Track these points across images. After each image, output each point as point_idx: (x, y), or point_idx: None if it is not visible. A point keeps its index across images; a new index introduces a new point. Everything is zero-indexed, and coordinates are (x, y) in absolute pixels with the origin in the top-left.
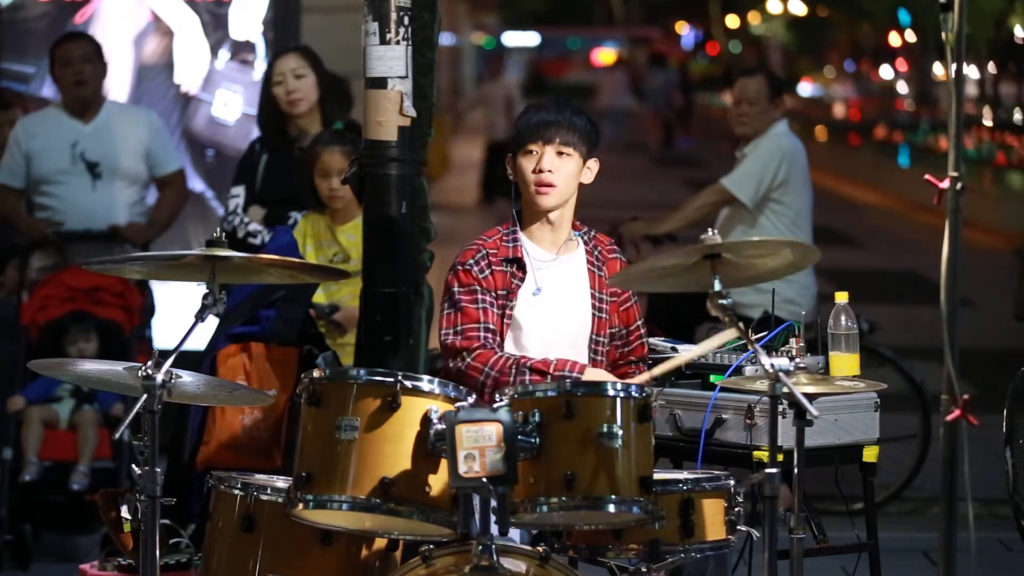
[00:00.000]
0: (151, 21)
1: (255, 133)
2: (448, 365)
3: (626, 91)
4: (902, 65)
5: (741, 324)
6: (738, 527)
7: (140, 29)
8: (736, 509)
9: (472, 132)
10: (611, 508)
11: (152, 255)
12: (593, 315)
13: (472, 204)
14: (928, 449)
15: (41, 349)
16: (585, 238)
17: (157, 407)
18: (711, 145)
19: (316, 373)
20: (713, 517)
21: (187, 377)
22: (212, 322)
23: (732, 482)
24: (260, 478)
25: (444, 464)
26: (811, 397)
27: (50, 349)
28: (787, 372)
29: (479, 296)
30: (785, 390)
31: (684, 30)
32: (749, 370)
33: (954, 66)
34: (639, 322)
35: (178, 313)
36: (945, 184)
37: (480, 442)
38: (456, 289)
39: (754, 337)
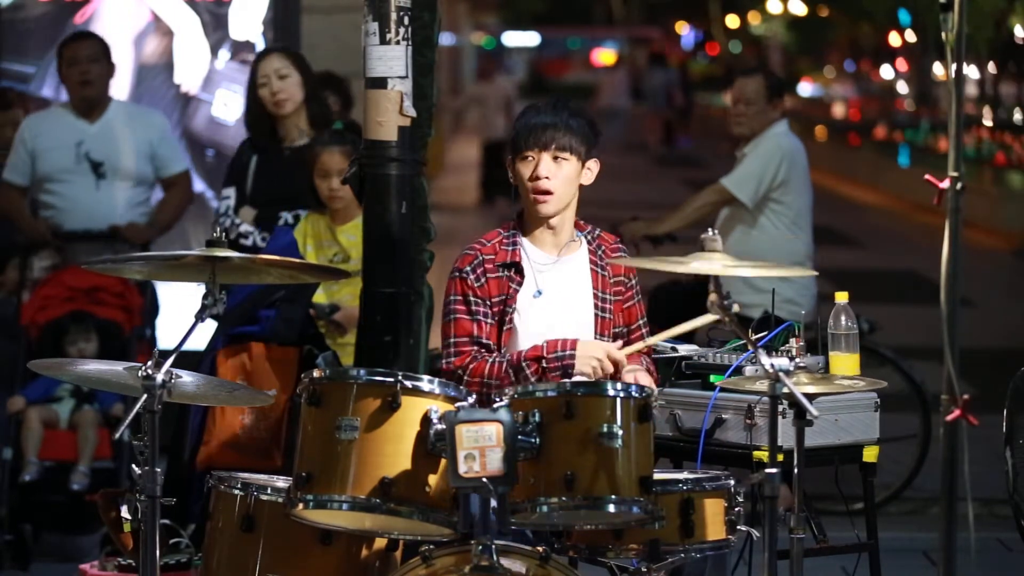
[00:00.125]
0: (151, 21)
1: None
2: None
3: (626, 91)
4: (902, 65)
5: (740, 324)
6: (738, 527)
7: (140, 29)
8: (736, 509)
9: (471, 132)
10: (611, 508)
11: (152, 255)
12: (596, 315)
13: (472, 204)
14: (928, 449)
15: (41, 349)
16: (588, 238)
17: (157, 407)
18: (711, 145)
19: (316, 373)
20: (713, 517)
21: (187, 377)
22: (212, 322)
23: (732, 482)
24: (260, 478)
25: (444, 464)
26: (811, 397)
27: (50, 349)
28: (787, 372)
29: (472, 307)
30: (785, 390)
31: (684, 30)
32: (749, 370)
33: (954, 66)
34: (641, 321)
35: (180, 313)
36: (945, 184)
37: (480, 442)
38: (452, 298)
39: (754, 337)
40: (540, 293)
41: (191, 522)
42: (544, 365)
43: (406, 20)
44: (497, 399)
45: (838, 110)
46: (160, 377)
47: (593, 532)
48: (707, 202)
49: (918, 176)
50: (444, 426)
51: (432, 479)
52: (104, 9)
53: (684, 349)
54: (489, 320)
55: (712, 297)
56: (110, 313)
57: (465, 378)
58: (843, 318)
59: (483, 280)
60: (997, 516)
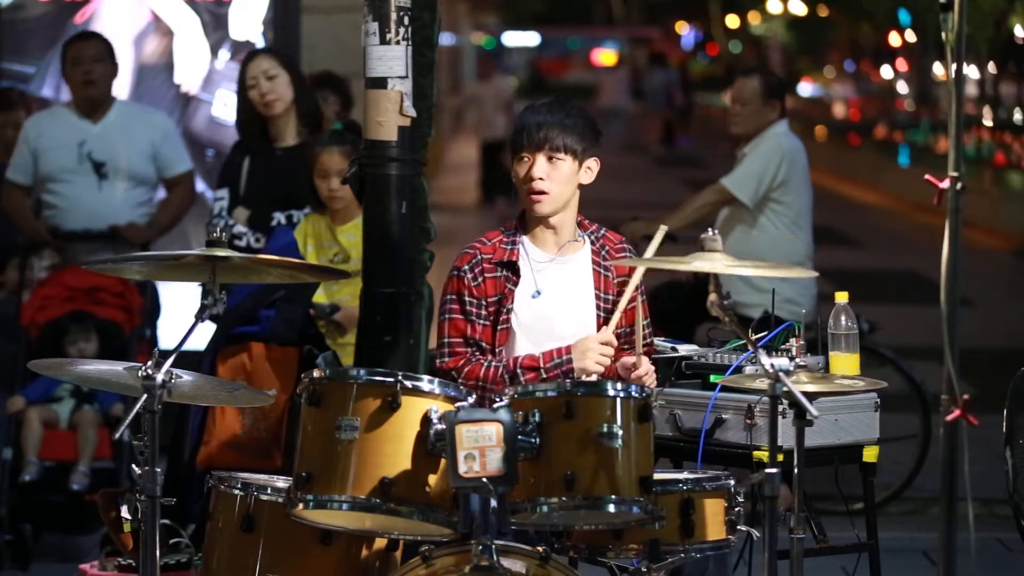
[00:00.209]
0: (151, 21)
1: None
2: None
3: (626, 91)
4: (902, 65)
5: (740, 324)
6: (738, 527)
7: (140, 29)
8: (736, 509)
9: (470, 132)
10: (611, 508)
11: (152, 255)
12: (598, 316)
13: (472, 204)
14: (928, 449)
15: (41, 349)
16: (592, 237)
17: (157, 407)
18: (711, 145)
19: (316, 373)
20: (713, 517)
21: (187, 377)
22: (210, 322)
23: (732, 482)
24: (260, 478)
25: (444, 464)
26: (811, 397)
27: (50, 349)
28: (787, 372)
29: (467, 307)
30: (785, 390)
31: (684, 30)
32: (749, 370)
33: (954, 66)
34: (644, 321)
35: (180, 313)
36: (945, 184)
37: (480, 442)
38: (448, 296)
39: (754, 337)
40: (539, 293)
41: (191, 522)
42: (543, 375)
43: (406, 20)
44: (497, 399)
45: (838, 110)
46: (160, 377)
47: (593, 532)
48: (707, 202)
49: (918, 176)
50: (444, 426)
51: (432, 479)
52: (104, 9)
53: (684, 349)
54: (483, 321)
55: (712, 297)
56: (110, 313)
57: (459, 380)
58: (843, 318)
59: (480, 279)
60: (997, 516)
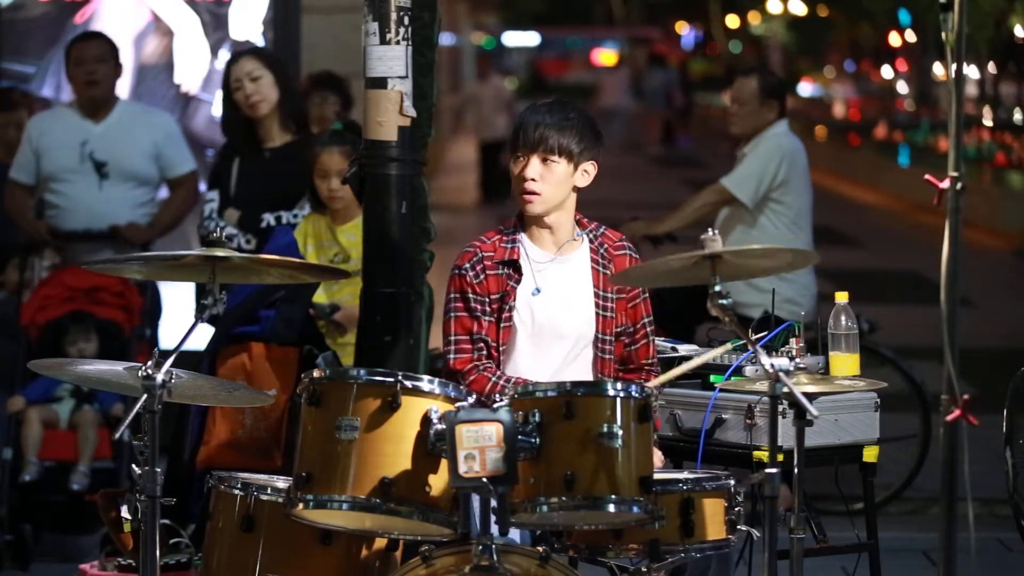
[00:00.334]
0: (151, 21)
1: None
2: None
3: (627, 91)
4: (902, 65)
5: (740, 324)
6: (738, 527)
7: (140, 29)
8: (736, 509)
9: (470, 132)
10: (611, 508)
11: (152, 255)
12: (597, 314)
13: (471, 204)
14: (928, 449)
15: (41, 349)
16: (591, 236)
17: (157, 407)
18: (711, 145)
19: (316, 373)
20: (713, 517)
21: (187, 377)
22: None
23: (732, 482)
24: (260, 478)
25: (444, 464)
26: (811, 397)
27: (50, 349)
28: (787, 372)
29: (472, 304)
30: (785, 390)
31: (684, 30)
32: (749, 370)
33: (954, 66)
34: (646, 319)
35: (180, 313)
36: (945, 184)
37: (480, 442)
38: (452, 295)
39: (754, 337)
40: (539, 291)
41: (191, 522)
42: None
43: (406, 20)
44: (497, 398)
45: (838, 110)
46: (160, 377)
47: (593, 532)
48: (707, 202)
49: (918, 176)
50: (444, 426)
51: (432, 479)
52: (104, 9)
53: (684, 349)
54: (488, 317)
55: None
56: (110, 313)
57: (463, 385)
58: (843, 318)
59: (482, 277)
60: (997, 516)
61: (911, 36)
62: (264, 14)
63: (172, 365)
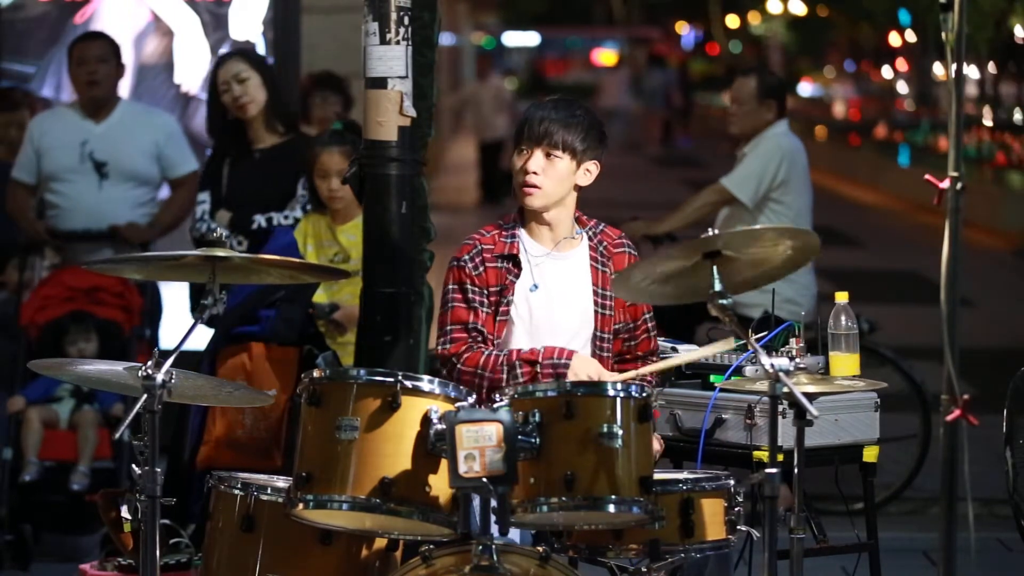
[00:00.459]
0: (151, 21)
1: None
2: (443, 375)
3: (627, 91)
4: (902, 65)
5: (740, 324)
6: (738, 527)
7: (140, 29)
8: (736, 509)
9: (470, 132)
10: (611, 508)
11: (152, 255)
12: (595, 312)
13: (472, 204)
14: (928, 449)
15: (41, 349)
16: (590, 233)
17: (157, 407)
18: (711, 145)
19: (316, 373)
20: (713, 517)
21: (187, 377)
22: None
23: (732, 482)
24: (260, 478)
25: (444, 464)
26: (811, 397)
27: (50, 349)
28: (787, 372)
29: (469, 295)
30: (785, 390)
31: (684, 30)
32: (749, 370)
33: (954, 66)
34: (647, 316)
35: (180, 313)
36: (945, 184)
37: (480, 442)
38: (450, 287)
39: (754, 337)
40: (536, 287)
41: (191, 522)
42: (538, 370)
43: (406, 20)
44: (497, 398)
45: (838, 110)
46: (160, 377)
47: (593, 532)
48: (707, 202)
49: (918, 176)
50: (444, 426)
51: (432, 479)
52: (104, 9)
53: (684, 349)
54: (485, 309)
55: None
56: (110, 313)
57: (459, 366)
58: (843, 318)
59: (481, 269)
60: (997, 516)
61: (911, 36)
62: (264, 14)
63: (172, 365)
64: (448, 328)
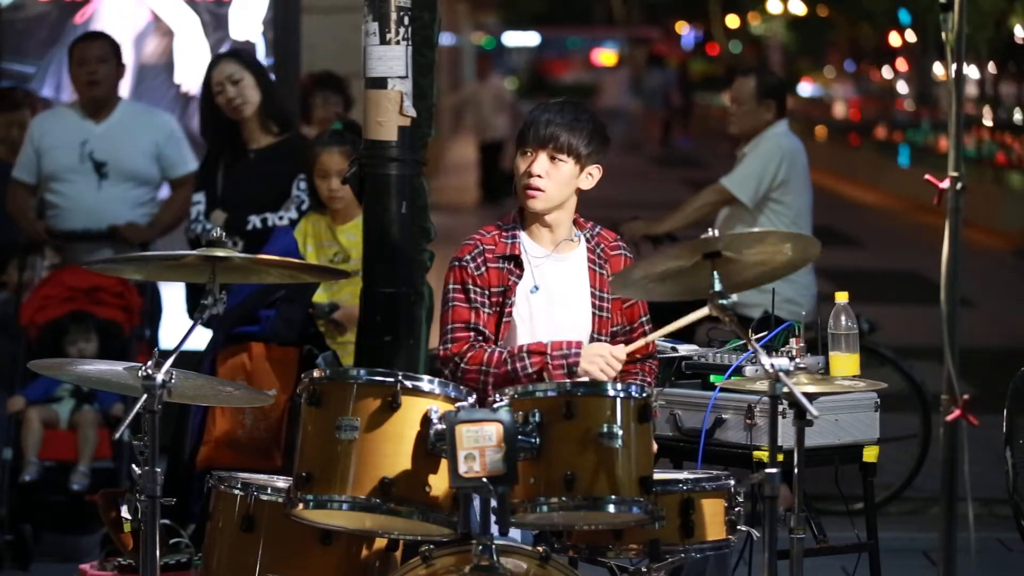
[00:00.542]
0: (151, 21)
1: None
2: (445, 375)
3: (627, 91)
4: (902, 65)
5: (740, 324)
6: (738, 527)
7: (140, 29)
8: (736, 509)
9: (470, 132)
10: (611, 508)
11: (152, 255)
12: (593, 314)
13: (472, 204)
14: (928, 449)
15: (41, 349)
16: (587, 236)
17: (157, 407)
18: (711, 145)
19: (316, 373)
20: (713, 517)
21: (187, 377)
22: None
23: (732, 482)
24: (260, 478)
25: (444, 464)
26: (811, 397)
27: (50, 349)
28: (787, 372)
29: (471, 295)
30: (785, 390)
31: (684, 30)
32: (749, 370)
33: (954, 66)
34: (644, 318)
35: (181, 313)
36: (945, 184)
37: (480, 442)
38: (451, 287)
39: (754, 337)
40: (537, 289)
41: (191, 522)
42: (548, 361)
43: (406, 20)
44: (497, 398)
45: (838, 110)
46: (160, 377)
47: (593, 532)
48: (707, 202)
49: (918, 176)
50: (444, 426)
51: (432, 479)
52: (104, 9)
53: (684, 349)
54: (487, 309)
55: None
56: (110, 313)
57: (463, 365)
58: (843, 318)
59: (483, 269)
60: (997, 516)
61: (911, 36)
62: (264, 14)
63: (172, 365)
64: (449, 327)
